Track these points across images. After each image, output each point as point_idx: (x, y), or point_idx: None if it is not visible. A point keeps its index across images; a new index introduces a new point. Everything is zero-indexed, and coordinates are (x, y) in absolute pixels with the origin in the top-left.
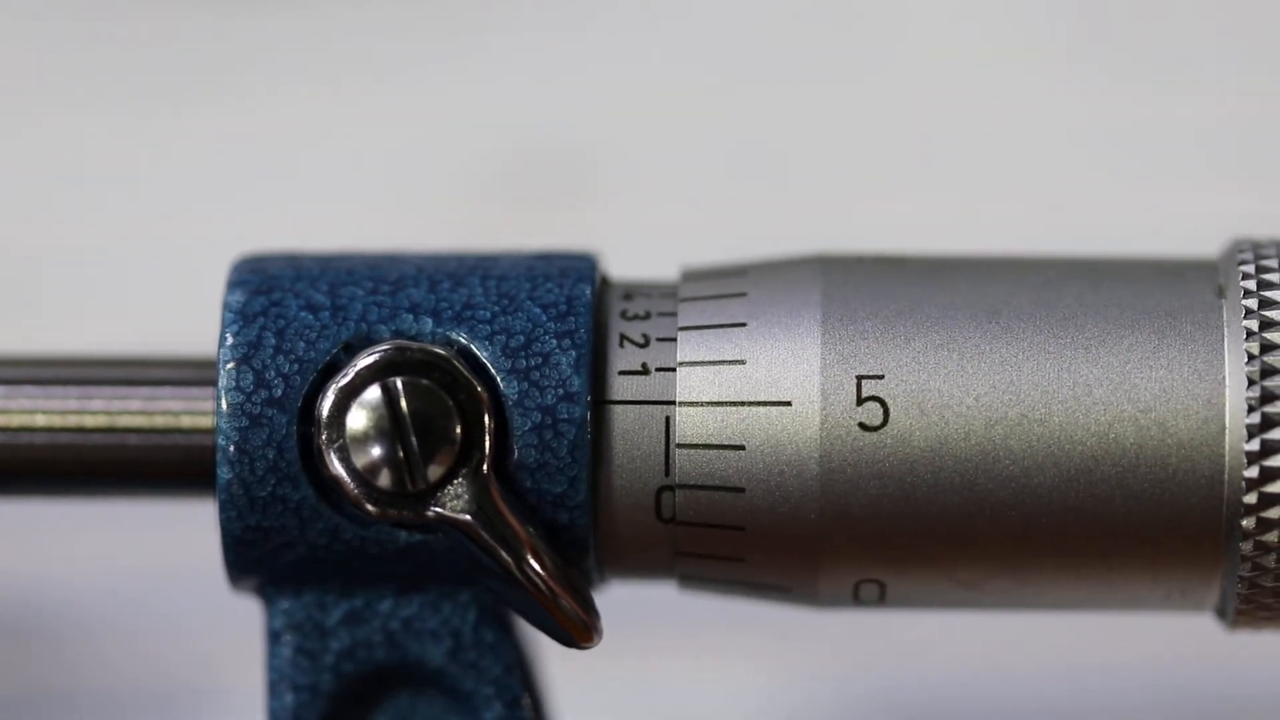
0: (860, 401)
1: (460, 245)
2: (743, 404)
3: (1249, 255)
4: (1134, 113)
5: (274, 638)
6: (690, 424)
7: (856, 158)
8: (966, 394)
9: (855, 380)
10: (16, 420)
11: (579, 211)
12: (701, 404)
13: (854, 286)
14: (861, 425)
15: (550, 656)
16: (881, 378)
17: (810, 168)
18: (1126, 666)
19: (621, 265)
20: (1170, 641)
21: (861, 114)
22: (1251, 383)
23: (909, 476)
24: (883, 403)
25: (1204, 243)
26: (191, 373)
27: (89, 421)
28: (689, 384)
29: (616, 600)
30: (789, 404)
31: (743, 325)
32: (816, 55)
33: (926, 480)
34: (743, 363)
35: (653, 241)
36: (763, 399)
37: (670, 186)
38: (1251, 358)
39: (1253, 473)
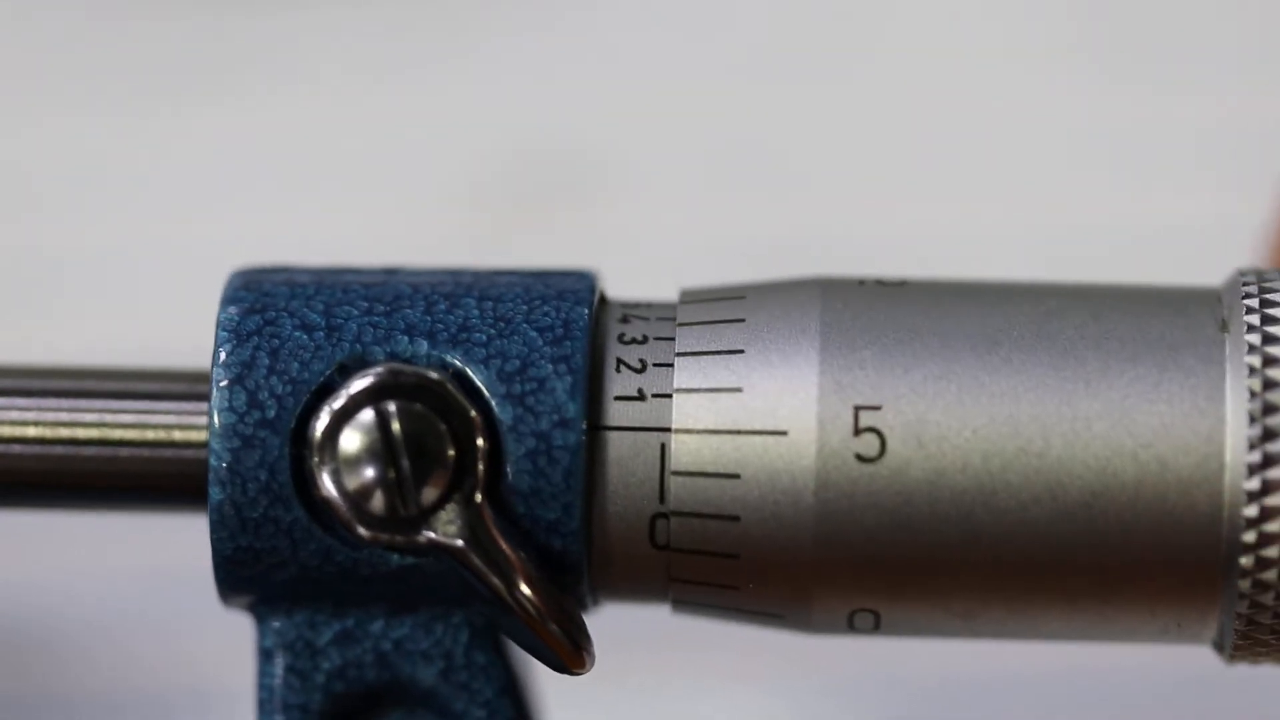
0: (857, 432)
1: (459, 245)
2: (739, 432)
3: (1253, 288)
4: (1134, 113)
5: (265, 656)
6: (685, 451)
7: (856, 158)
8: (965, 426)
9: (853, 410)
10: (7, 431)
11: (579, 212)
12: (697, 431)
13: (853, 313)
14: (858, 456)
15: (543, 678)
16: (879, 408)
17: (810, 168)
18: (1126, 667)
19: (621, 265)
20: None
21: (861, 114)
22: (1253, 420)
23: (905, 509)
24: (880, 434)
25: (1203, 244)
26: (185, 386)
27: (81, 434)
28: (685, 411)
29: (609, 620)
30: (785, 433)
31: (740, 352)
32: (816, 55)
33: (923, 513)
34: (740, 390)
35: (652, 241)
36: (759, 428)
37: (670, 187)
38: (1253, 394)
39: (1252, 511)
